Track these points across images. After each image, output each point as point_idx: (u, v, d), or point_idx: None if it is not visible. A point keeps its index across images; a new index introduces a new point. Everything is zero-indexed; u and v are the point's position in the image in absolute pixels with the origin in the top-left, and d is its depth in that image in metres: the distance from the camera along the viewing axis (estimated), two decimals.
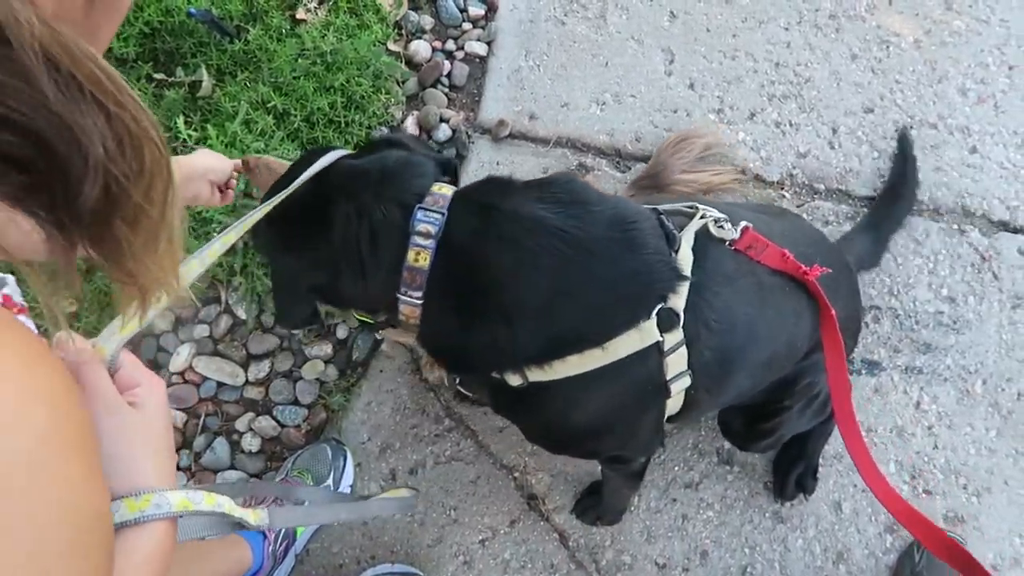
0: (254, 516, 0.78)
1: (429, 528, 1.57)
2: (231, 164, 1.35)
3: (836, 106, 1.90)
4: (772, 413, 1.32)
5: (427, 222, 1.00)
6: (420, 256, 0.99)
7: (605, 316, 1.00)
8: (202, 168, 1.26)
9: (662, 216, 1.08)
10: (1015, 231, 1.78)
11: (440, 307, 1.02)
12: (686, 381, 1.06)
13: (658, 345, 1.01)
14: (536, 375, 1.02)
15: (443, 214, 1.00)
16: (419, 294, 1.01)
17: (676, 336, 1.01)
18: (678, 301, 1.01)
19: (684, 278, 1.02)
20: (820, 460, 1.59)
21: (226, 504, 0.73)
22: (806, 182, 1.84)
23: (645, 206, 1.11)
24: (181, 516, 0.67)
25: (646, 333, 1.00)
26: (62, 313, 0.56)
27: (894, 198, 1.76)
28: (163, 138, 0.51)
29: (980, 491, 1.59)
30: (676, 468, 1.62)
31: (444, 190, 1.04)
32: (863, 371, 1.67)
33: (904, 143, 1.82)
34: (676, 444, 1.63)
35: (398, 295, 1.02)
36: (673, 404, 1.10)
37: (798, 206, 1.82)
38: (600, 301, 1.00)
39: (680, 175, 1.74)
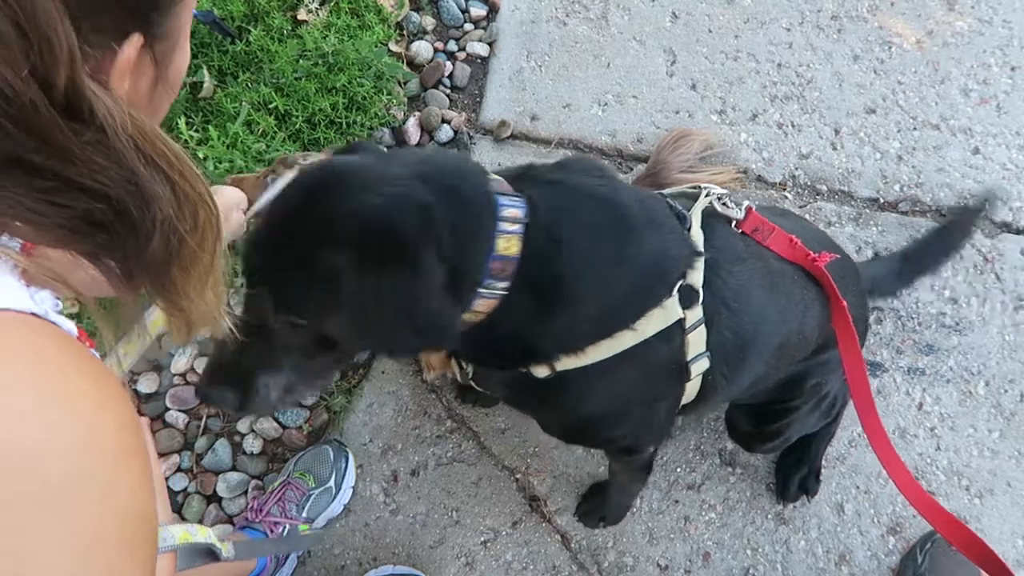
0: (224, 548, 0.86)
1: (431, 529, 1.57)
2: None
3: (838, 107, 1.90)
4: (780, 413, 1.32)
5: (512, 206, 0.91)
6: (511, 243, 0.90)
7: (638, 295, 0.98)
8: (235, 200, 1.29)
9: (668, 199, 1.08)
10: (1018, 232, 1.78)
11: (517, 298, 0.93)
12: (705, 363, 1.05)
13: (680, 323, 1.00)
14: (567, 363, 0.99)
15: (520, 196, 0.93)
16: (504, 284, 0.92)
17: (696, 313, 1.00)
18: (696, 278, 1.00)
19: (700, 254, 1.01)
20: (823, 462, 1.58)
21: (213, 535, 0.82)
22: (808, 183, 1.84)
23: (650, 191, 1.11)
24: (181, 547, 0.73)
25: (670, 311, 0.98)
26: (116, 342, 0.66)
27: (940, 244, 1.66)
28: (214, 199, 0.60)
29: (983, 493, 1.59)
30: (678, 469, 1.62)
31: (495, 176, 0.97)
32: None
33: (978, 207, 1.73)
34: (678, 446, 1.63)
35: (479, 290, 0.91)
36: (691, 389, 1.09)
37: (800, 207, 1.81)
38: (634, 280, 0.98)
39: (679, 174, 1.74)
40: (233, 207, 1.28)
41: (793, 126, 1.89)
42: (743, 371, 1.13)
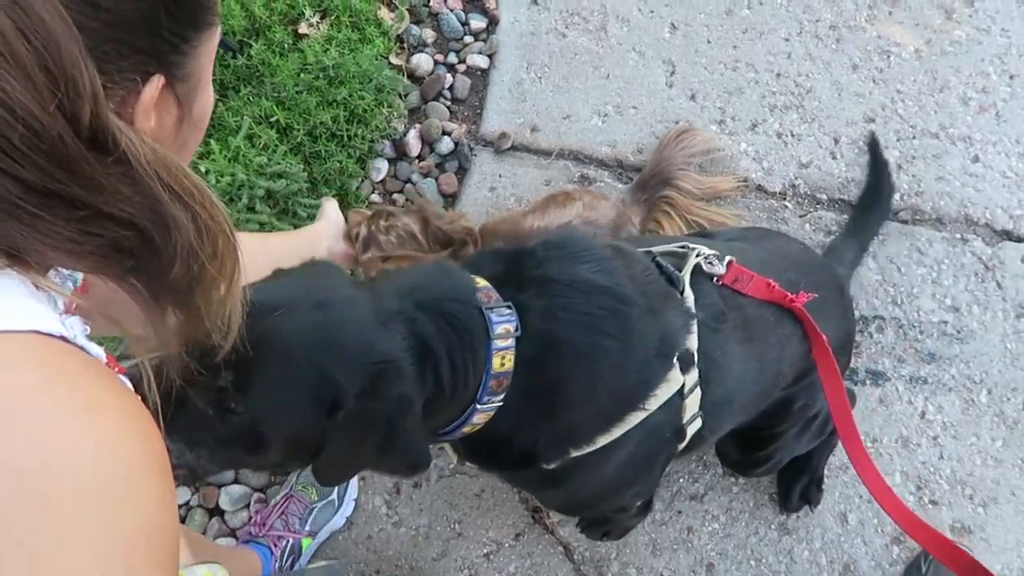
0: None
1: (434, 542, 1.57)
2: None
3: (837, 116, 1.91)
4: (768, 440, 1.33)
5: (504, 321, 0.91)
6: (506, 360, 0.91)
7: (647, 376, 0.98)
8: (335, 220, 1.35)
9: (658, 259, 1.08)
10: (1018, 240, 1.78)
11: (516, 406, 0.94)
12: (698, 423, 1.06)
13: (680, 389, 1.00)
14: (577, 452, 0.98)
15: (510, 307, 0.93)
16: (500, 397, 0.93)
17: (693, 377, 1.01)
18: (692, 341, 1.01)
19: (694, 317, 1.02)
20: (825, 471, 1.58)
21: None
22: (808, 192, 1.84)
23: (640, 250, 1.11)
24: None
25: (673, 381, 0.99)
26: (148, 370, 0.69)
27: (872, 202, 1.77)
28: (232, 228, 0.63)
29: (987, 501, 1.58)
30: (681, 480, 1.62)
31: (479, 281, 0.96)
32: (867, 381, 1.67)
33: (874, 148, 1.82)
34: (682, 458, 1.63)
35: (476, 406, 0.92)
36: (679, 446, 1.10)
37: (800, 216, 1.82)
38: (642, 362, 0.98)
39: (682, 171, 1.75)
40: (334, 230, 1.38)
41: (793, 135, 1.89)
42: (726, 423, 1.16)
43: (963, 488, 1.59)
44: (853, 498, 1.59)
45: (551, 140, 1.91)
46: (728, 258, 1.11)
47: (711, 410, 1.06)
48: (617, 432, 0.98)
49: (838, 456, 1.60)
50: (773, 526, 1.58)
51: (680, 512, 1.59)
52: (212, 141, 1.70)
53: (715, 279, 1.09)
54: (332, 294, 0.87)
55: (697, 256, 1.09)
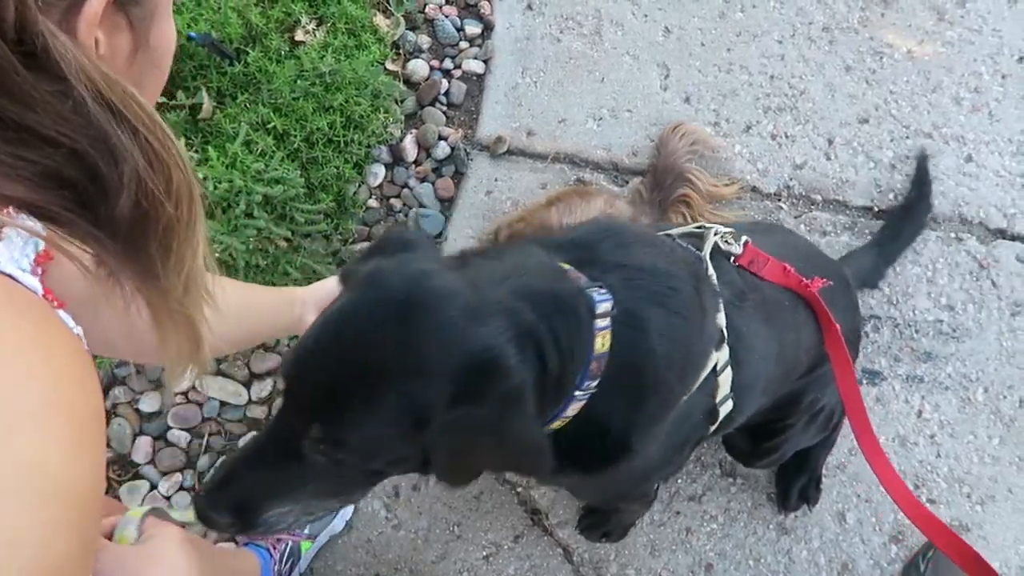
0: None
1: (433, 544, 1.57)
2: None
3: (831, 117, 1.92)
4: (776, 431, 1.33)
5: (603, 300, 0.88)
6: (605, 340, 0.88)
7: (703, 356, 0.98)
8: (320, 299, 1.23)
9: (678, 240, 1.09)
10: (1013, 238, 1.79)
11: (609, 393, 0.90)
12: (730, 404, 1.05)
13: (714, 367, 1.00)
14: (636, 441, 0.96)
15: (602, 285, 0.90)
16: (597, 383, 0.89)
17: (724, 355, 1.00)
18: (721, 318, 1.00)
19: (720, 295, 1.02)
20: (823, 471, 1.58)
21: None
22: (803, 193, 1.85)
23: (660, 233, 1.11)
24: None
25: (712, 359, 0.99)
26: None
27: (906, 220, 1.75)
28: (189, 164, 0.58)
29: (984, 500, 1.59)
30: (679, 481, 1.62)
31: (564, 264, 0.93)
32: (864, 381, 1.67)
33: (923, 165, 1.80)
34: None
35: (575, 393, 0.88)
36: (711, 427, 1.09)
37: (795, 217, 1.83)
38: (702, 344, 0.98)
39: (690, 164, 1.76)
40: (316, 302, 1.20)
41: (787, 137, 1.90)
42: (752, 405, 1.14)
43: (961, 486, 1.60)
44: (851, 497, 1.59)
45: (547, 144, 1.92)
46: (744, 238, 1.11)
47: (739, 391, 1.05)
48: (672, 411, 0.97)
49: (835, 456, 1.60)
50: (771, 526, 1.59)
51: (678, 513, 1.59)
52: (210, 148, 1.71)
53: (732, 259, 1.09)
54: (419, 292, 0.78)
55: (715, 235, 1.09)
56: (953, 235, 1.79)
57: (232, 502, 0.83)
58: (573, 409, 0.89)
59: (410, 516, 1.59)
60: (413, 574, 1.55)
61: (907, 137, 1.89)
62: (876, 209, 1.83)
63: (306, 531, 1.46)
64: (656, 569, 1.55)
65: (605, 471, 0.96)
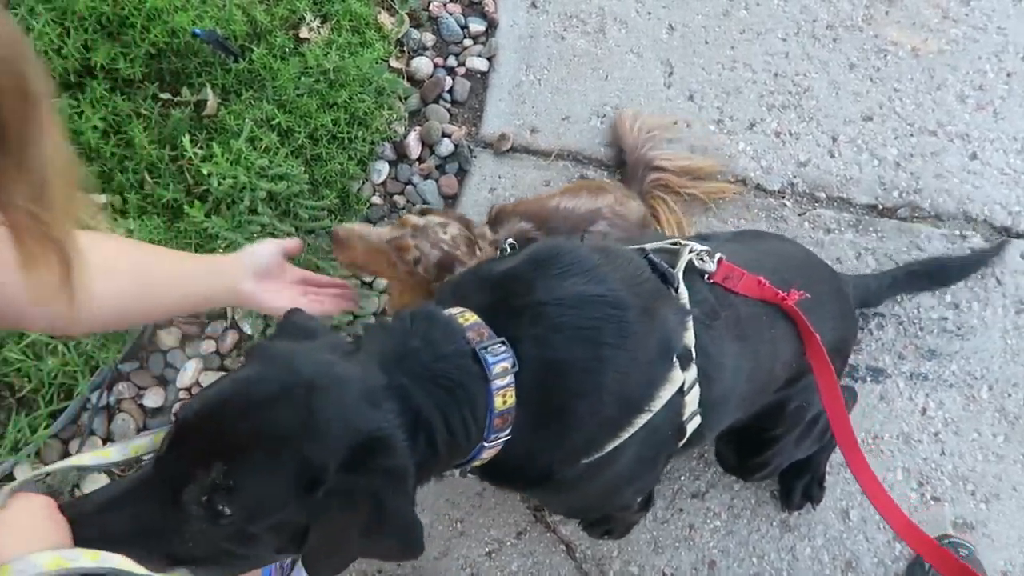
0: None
1: (436, 541, 1.57)
2: (277, 246, 1.29)
3: (835, 115, 1.92)
4: (765, 444, 1.33)
5: (501, 359, 0.90)
6: (507, 396, 0.90)
7: (651, 379, 0.98)
8: (254, 264, 1.22)
9: (650, 256, 1.08)
10: (1017, 236, 1.78)
11: (523, 436, 0.93)
12: (697, 420, 1.05)
13: (680, 386, 1.00)
14: (588, 460, 0.98)
15: (504, 342, 0.91)
16: (507, 432, 0.92)
17: (692, 374, 1.01)
18: (689, 338, 1.01)
19: (689, 313, 1.02)
20: (827, 469, 1.58)
21: (117, 559, 0.69)
22: (807, 191, 1.85)
23: (631, 247, 1.11)
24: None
25: (675, 380, 0.99)
26: None
27: (938, 273, 1.71)
28: (32, 60, 0.53)
29: (989, 497, 1.58)
30: (682, 478, 1.62)
31: (468, 316, 0.94)
32: (868, 378, 1.67)
33: (982, 258, 1.75)
34: (681, 454, 1.63)
35: (483, 444, 0.91)
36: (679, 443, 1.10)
37: (799, 215, 1.82)
38: (646, 368, 0.97)
39: (654, 149, 1.77)
40: (252, 267, 1.21)
41: (791, 134, 1.90)
42: (723, 420, 1.16)
43: (965, 484, 1.59)
44: (855, 495, 1.59)
45: (550, 141, 1.92)
46: (718, 255, 1.11)
47: (709, 407, 1.05)
48: (625, 436, 0.98)
49: (839, 454, 1.59)
50: (775, 523, 1.58)
51: (682, 510, 1.59)
52: (214, 144, 1.71)
53: (706, 276, 1.09)
54: (322, 374, 0.83)
55: (689, 252, 1.09)
56: (957, 233, 1.78)
57: (85, 536, 0.78)
58: (488, 454, 0.93)
59: None
60: (415, 570, 1.55)
61: (911, 135, 1.88)
62: (880, 207, 1.83)
63: None
64: (659, 566, 1.55)
65: (544, 489, 1.02)
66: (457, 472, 1.02)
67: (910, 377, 1.67)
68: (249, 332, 1.68)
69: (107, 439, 1.62)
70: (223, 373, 1.66)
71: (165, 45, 1.79)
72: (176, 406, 1.65)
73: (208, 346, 1.68)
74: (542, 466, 0.98)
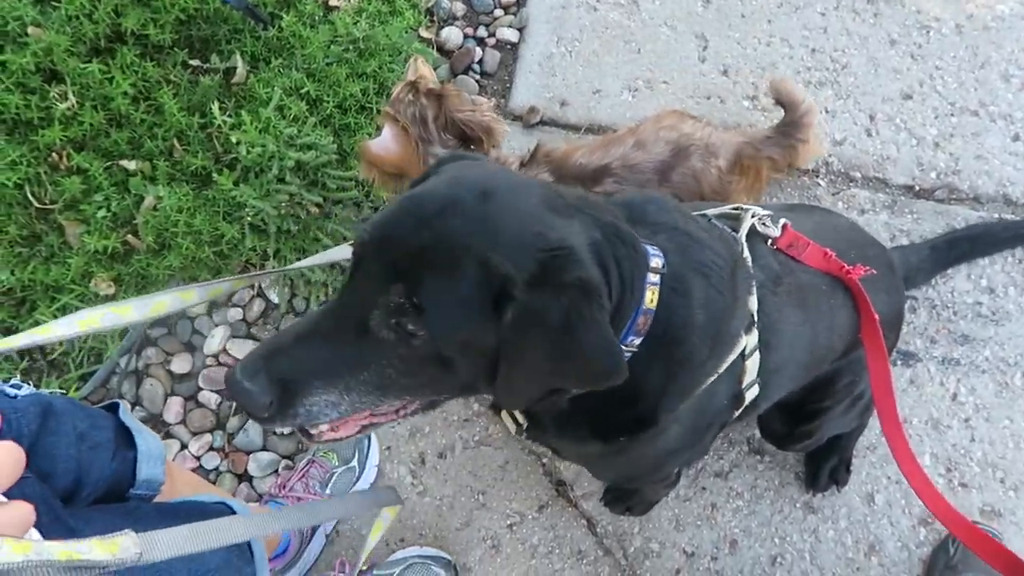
0: (111, 548, 0.59)
1: (458, 512, 1.58)
2: None
3: (874, 92, 1.87)
4: (813, 414, 1.30)
5: (655, 255, 0.85)
6: (654, 296, 0.84)
7: (735, 333, 0.94)
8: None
9: (713, 221, 1.05)
10: None
11: (647, 357, 0.86)
12: (756, 390, 1.02)
13: (742, 351, 0.96)
14: (685, 403, 0.93)
15: (655, 245, 0.87)
16: (639, 342, 0.85)
17: (753, 339, 0.97)
18: (753, 302, 0.97)
19: (754, 278, 0.99)
20: (853, 452, 1.56)
21: (55, 550, 0.56)
22: (842, 170, 1.81)
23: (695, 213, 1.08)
24: None
25: (739, 342, 0.96)
26: None
27: (982, 239, 1.67)
28: None
29: (1018, 485, 1.56)
30: (706, 457, 1.61)
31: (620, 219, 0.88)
32: (898, 362, 1.64)
33: None
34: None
35: (621, 346, 0.83)
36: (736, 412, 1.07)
37: (833, 194, 1.79)
38: (736, 320, 0.94)
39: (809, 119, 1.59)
40: None
41: (827, 112, 1.86)
42: (778, 390, 1.12)
43: (994, 471, 1.57)
44: (880, 479, 1.57)
45: (580, 114, 1.89)
46: (783, 221, 1.08)
47: (767, 375, 1.02)
48: (707, 384, 0.94)
49: (865, 437, 1.58)
50: (798, 505, 1.57)
51: (704, 489, 1.59)
52: (243, 112, 1.71)
53: (769, 242, 1.07)
54: (498, 182, 0.77)
55: (752, 217, 1.06)
56: (996, 216, 1.74)
57: (275, 375, 0.74)
58: None
59: (436, 483, 1.60)
60: (437, 540, 1.57)
61: (952, 114, 1.83)
62: (917, 188, 1.78)
63: (327, 491, 1.48)
64: (680, 544, 1.55)
65: (627, 443, 0.94)
66: (507, 420, 0.99)
67: (942, 362, 1.64)
68: (276, 301, 1.69)
69: (135, 403, 1.65)
70: (250, 341, 1.68)
71: (195, 11, 1.79)
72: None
73: (235, 314, 1.69)
74: (651, 404, 0.89)
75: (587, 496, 1.58)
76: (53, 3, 1.79)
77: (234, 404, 1.65)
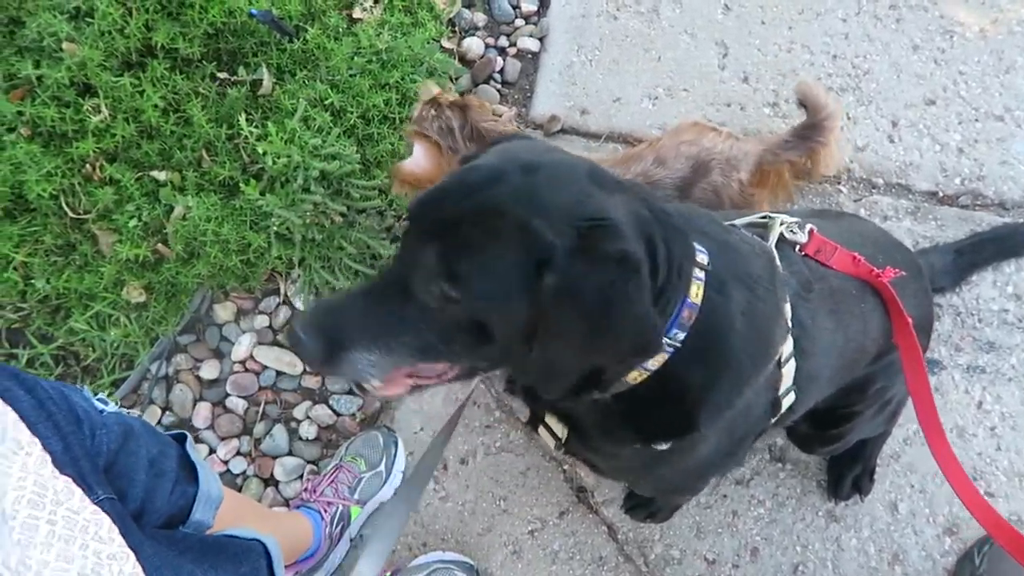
0: None
1: (479, 517, 1.60)
2: None
3: (896, 98, 1.86)
4: (843, 418, 1.29)
5: (702, 251, 0.86)
6: (699, 291, 0.84)
7: (775, 341, 0.94)
8: None
9: (742, 230, 1.05)
10: None
11: (689, 354, 0.85)
12: (792, 397, 1.01)
13: (778, 359, 0.96)
14: (731, 412, 0.93)
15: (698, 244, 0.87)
16: (682, 337, 0.84)
17: (789, 346, 0.97)
18: (787, 309, 0.97)
19: (787, 285, 0.99)
20: (877, 461, 1.56)
21: None
22: (864, 176, 1.80)
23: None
24: None
25: (780, 345, 0.96)
26: None
27: (1011, 239, 1.67)
28: None
29: None
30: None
31: None
32: None
33: None
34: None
35: (664, 340, 0.83)
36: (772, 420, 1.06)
37: (855, 201, 1.78)
38: (775, 327, 0.94)
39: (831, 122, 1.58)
40: None
41: (849, 118, 1.85)
42: (813, 397, 1.11)
43: (1020, 480, 1.55)
44: (904, 488, 1.56)
45: (601, 123, 1.90)
46: (809, 226, 1.08)
47: (803, 381, 1.01)
48: (747, 394, 0.93)
49: (889, 445, 1.57)
50: (820, 513, 1.57)
51: (725, 496, 1.59)
52: (269, 123, 1.74)
53: (797, 248, 1.06)
54: (545, 158, 0.80)
55: (781, 224, 1.06)
56: (1022, 221, 1.72)
57: (326, 328, 0.80)
58: (656, 361, 0.85)
59: (458, 489, 1.62)
60: (459, 545, 1.58)
61: (976, 120, 1.82)
62: (941, 194, 1.77)
63: (356, 496, 1.50)
64: (701, 551, 1.55)
65: (668, 451, 0.94)
66: (545, 433, 1.01)
67: (967, 370, 1.63)
68: (301, 308, 1.72)
69: (165, 408, 1.69)
70: (276, 348, 1.71)
71: (223, 25, 1.83)
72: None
73: (262, 321, 1.73)
74: (693, 405, 0.89)
75: (608, 503, 1.59)
76: (87, 19, 1.84)
77: (260, 410, 1.68)
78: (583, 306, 0.73)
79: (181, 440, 0.96)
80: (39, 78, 1.74)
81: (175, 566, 0.75)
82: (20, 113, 1.72)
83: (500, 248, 0.73)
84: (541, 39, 2.01)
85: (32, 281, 1.65)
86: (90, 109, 1.73)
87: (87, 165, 1.73)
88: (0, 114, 1.67)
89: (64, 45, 1.78)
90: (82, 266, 1.69)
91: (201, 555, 0.81)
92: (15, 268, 1.66)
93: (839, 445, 1.39)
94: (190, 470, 0.92)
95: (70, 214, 1.70)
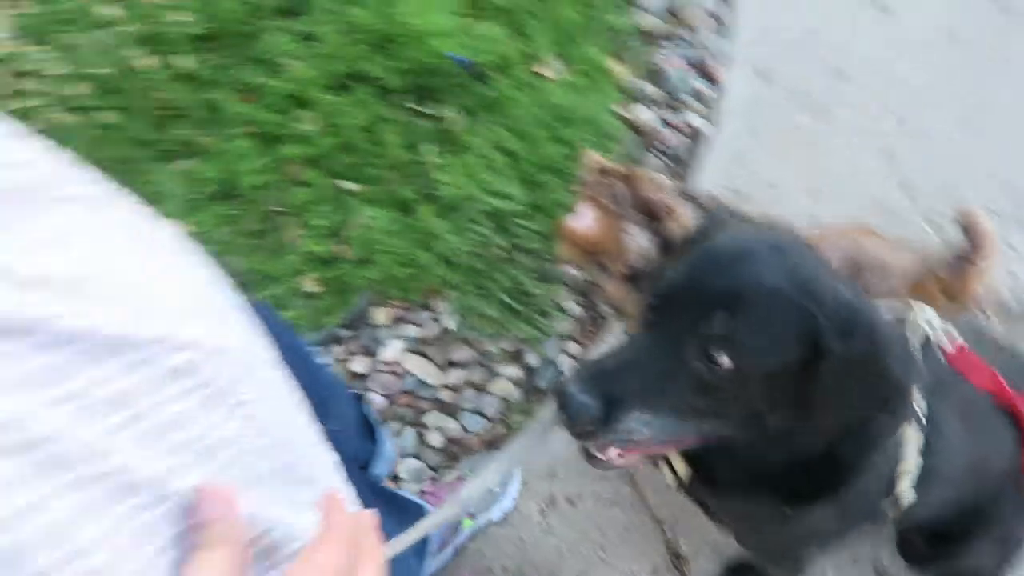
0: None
1: (577, 559, 1.65)
2: None
3: None
4: (961, 536, 1.27)
5: None
6: None
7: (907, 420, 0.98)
8: None
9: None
10: None
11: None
12: (912, 494, 1.02)
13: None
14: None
15: None
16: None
17: (918, 440, 0.99)
18: (920, 400, 0.98)
19: (921, 375, 1.00)
20: None
21: None
22: (1017, 310, 1.78)
23: None
24: None
25: (907, 437, 0.99)
26: None
27: None
28: None
29: None
30: (829, 574, 1.60)
31: None
32: None
33: None
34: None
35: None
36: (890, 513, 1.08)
37: (1003, 329, 1.76)
38: (908, 402, 0.97)
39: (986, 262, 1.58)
40: None
41: (1009, 247, 1.85)
42: (934, 500, 1.11)
43: None
44: None
45: (757, 209, 1.97)
46: (950, 329, 1.08)
47: (926, 481, 1.03)
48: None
49: None
50: None
51: None
52: (451, 156, 1.92)
53: (939, 349, 1.07)
54: (782, 240, 0.86)
55: (924, 321, 1.07)
56: None
57: (603, 391, 0.81)
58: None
59: (561, 526, 1.69)
60: None
61: None
62: None
63: (471, 509, 1.60)
64: None
65: (794, 515, 0.98)
66: (671, 472, 1.06)
67: None
68: (451, 327, 1.86)
69: None
70: (421, 358, 1.85)
71: (423, 64, 2.05)
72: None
73: (412, 330, 1.87)
74: (844, 476, 0.94)
75: (700, 574, 1.62)
76: (310, 41, 2.10)
77: (394, 408, 1.81)
78: (857, 378, 0.81)
79: (357, 399, 1.06)
80: (264, 87, 2.00)
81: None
82: (241, 113, 1.98)
83: (771, 322, 0.80)
84: (710, 119, 2.11)
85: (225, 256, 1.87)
86: (304, 119, 1.97)
87: (291, 166, 1.96)
88: (233, 113, 1.92)
89: (289, 61, 2.04)
90: (272, 251, 1.89)
91: (374, 497, 0.91)
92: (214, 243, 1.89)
93: (953, 563, 1.36)
94: (368, 427, 1.02)
95: (270, 206, 1.92)
